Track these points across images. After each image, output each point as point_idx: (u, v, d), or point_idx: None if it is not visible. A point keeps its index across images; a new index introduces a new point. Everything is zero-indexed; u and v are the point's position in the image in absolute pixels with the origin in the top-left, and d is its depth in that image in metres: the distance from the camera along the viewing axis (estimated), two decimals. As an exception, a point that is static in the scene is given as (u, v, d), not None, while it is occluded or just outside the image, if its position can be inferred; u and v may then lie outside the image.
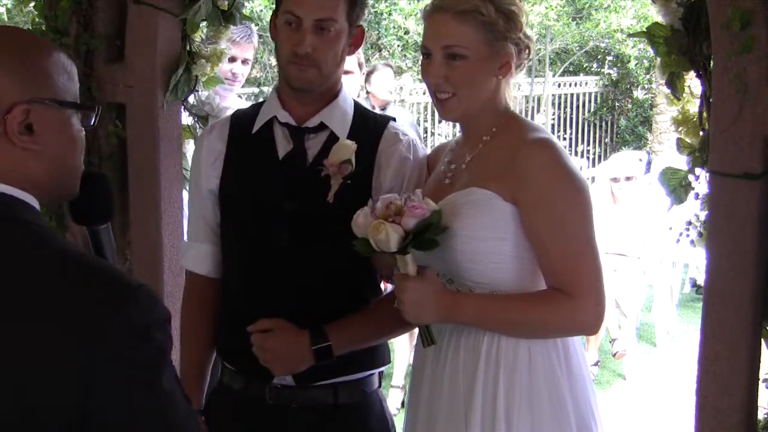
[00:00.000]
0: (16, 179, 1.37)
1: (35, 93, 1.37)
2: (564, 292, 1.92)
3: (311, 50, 2.07)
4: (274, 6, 2.19)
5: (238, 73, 3.71)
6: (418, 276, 1.95)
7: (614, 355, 5.87)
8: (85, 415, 1.25)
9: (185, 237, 2.49)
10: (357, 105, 2.25)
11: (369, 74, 5.64)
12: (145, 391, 1.28)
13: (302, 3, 2.07)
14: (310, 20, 2.06)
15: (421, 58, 2.07)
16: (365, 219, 1.93)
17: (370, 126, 2.21)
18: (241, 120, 2.27)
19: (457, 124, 2.29)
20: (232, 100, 3.73)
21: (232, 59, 3.61)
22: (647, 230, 6.00)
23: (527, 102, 10.31)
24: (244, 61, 3.74)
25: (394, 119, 2.31)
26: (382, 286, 2.32)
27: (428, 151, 2.31)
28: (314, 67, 2.10)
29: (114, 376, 1.25)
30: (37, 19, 3.07)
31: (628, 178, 6.05)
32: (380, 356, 2.28)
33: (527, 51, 2.06)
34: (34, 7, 3.10)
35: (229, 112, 2.80)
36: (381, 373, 2.31)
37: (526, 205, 1.94)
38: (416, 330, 2.14)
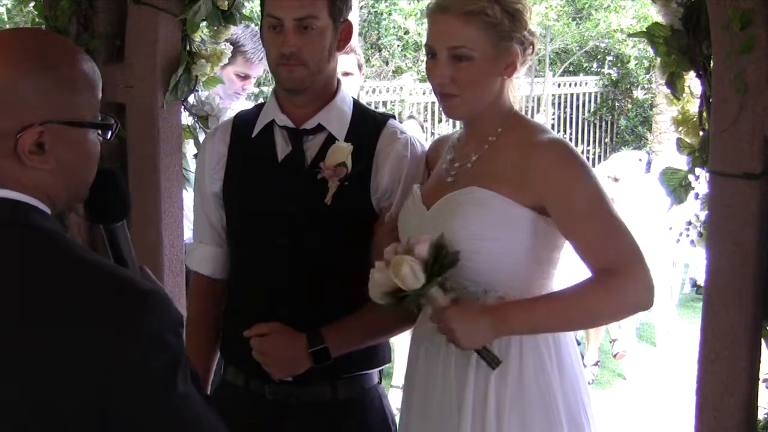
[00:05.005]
0: (29, 188, 1.35)
1: (56, 113, 1.34)
2: (611, 271, 1.90)
3: (296, 49, 2.08)
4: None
5: (247, 89, 3.79)
6: (453, 304, 1.92)
7: (614, 356, 5.87)
8: (104, 422, 1.26)
9: (185, 237, 2.48)
10: (357, 104, 2.25)
11: None
12: (161, 397, 1.29)
13: (280, 4, 2.09)
14: (291, 20, 2.07)
15: (421, 57, 2.07)
16: (381, 273, 1.92)
17: (369, 125, 2.21)
18: (243, 123, 2.28)
19: (458, 124, 2.28)
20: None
21: (246, 77, 3.68)
22: (647, 230, 5.99)
23: (527, 102, 10.30)
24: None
25: (393, 117, 2.31)
26: None
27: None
28: (302, 66, 2.10)
29: (130, 383, 1.26)
30: (37, 19, 3.06)
31: (628, 178, 6.05)
32: (380, 355, 2.29)
33: (531, 48, 2.05)
34: (34, 7, 3.09)
35: (230, 113, 2.81)
36: (381, 370, 2.32)
37: (554, 203, 1.94)
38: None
